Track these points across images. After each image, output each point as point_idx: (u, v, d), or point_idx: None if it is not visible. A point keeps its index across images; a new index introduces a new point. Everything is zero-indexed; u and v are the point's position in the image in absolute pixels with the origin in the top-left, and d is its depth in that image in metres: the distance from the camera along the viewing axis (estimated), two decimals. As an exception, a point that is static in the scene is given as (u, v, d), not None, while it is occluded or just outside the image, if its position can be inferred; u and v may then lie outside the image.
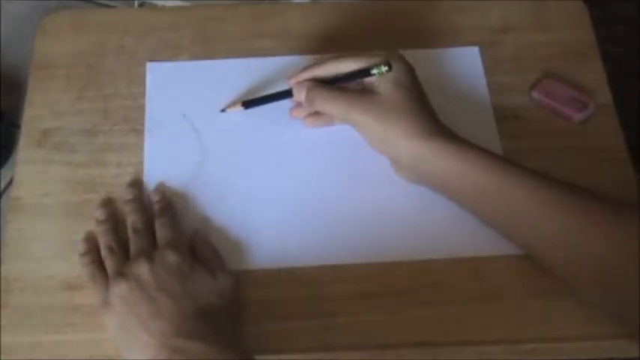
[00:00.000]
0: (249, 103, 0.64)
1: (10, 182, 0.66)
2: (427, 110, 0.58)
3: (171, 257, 0.54)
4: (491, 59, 0.68)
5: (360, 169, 0.62)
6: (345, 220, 0.60)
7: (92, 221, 0.60)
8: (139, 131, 0.65)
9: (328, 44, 0.69)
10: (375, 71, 0.58)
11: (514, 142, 0.64)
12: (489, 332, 0.55)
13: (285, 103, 0.64)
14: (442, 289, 0.57)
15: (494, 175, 0.55)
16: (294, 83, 0.62)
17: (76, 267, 0.58)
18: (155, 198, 0.61)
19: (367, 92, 0.59)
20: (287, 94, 0.63)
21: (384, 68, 0.58)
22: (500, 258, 0.58)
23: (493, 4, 0.72)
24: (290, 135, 0.64)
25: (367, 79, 0.59)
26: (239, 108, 0.64)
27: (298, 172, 0.62)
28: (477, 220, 0.58)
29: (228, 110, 0.65)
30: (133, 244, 0.57)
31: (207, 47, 0.69)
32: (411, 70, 0.60)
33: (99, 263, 0.57)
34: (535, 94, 0.66)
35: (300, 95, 0.61)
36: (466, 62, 0.68)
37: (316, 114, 0.63)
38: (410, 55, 0.64)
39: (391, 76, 0.58)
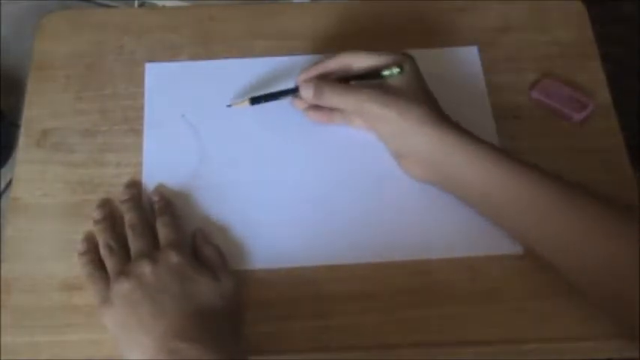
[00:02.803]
0: (256, 100, 0.63)
1: (10, 182, 0.66)
2: (437, 104, 0.59)
3: (174, 258, 0.54)
4: (490, 59, 0.68)
5: (359, 169, 0.62)
6: (343, 221, 0.60)
7: (91, 221, 0.60)
8: (138, 131, 0.65)
9: (328, 44, 0.69)
10: (386, 73, 0.58)
11: (513, 142, 0.63)
12: (488, 332, 0.55)
13: (287, 104, 0.64)
14: (441, 289, 0.57)
15: (502, 170, 0.55)
16: (303, 80, 0.61)
17: (75, 267, 0.58)
18: (155, 198, 0.61)
19: (377, 85, 0.58)
20: (295, 90, 0.62)
21: (396, 70, 0.58)
22: (499, 258, 0.58)
23: (492, 4, 0.72)
24: (289, 135, 0.64)
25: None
26: (246, 104, 0.63)
27: (297, 171, 0.62)
28: (475, 219, 0.58)
29: (235, 105, 0.64)
30: (134, 242, 0.57)
31: (206, 47, 0.69)
32: (420, 75, 0.60)
33: (97, 262, 0.57)
34: (534, 94, 0.66)
35: (307, 92, 0.60)
36: (465, 62, 0.68)
37: (317, 107, 0.62)
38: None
39: (400, 79, 0.58)
